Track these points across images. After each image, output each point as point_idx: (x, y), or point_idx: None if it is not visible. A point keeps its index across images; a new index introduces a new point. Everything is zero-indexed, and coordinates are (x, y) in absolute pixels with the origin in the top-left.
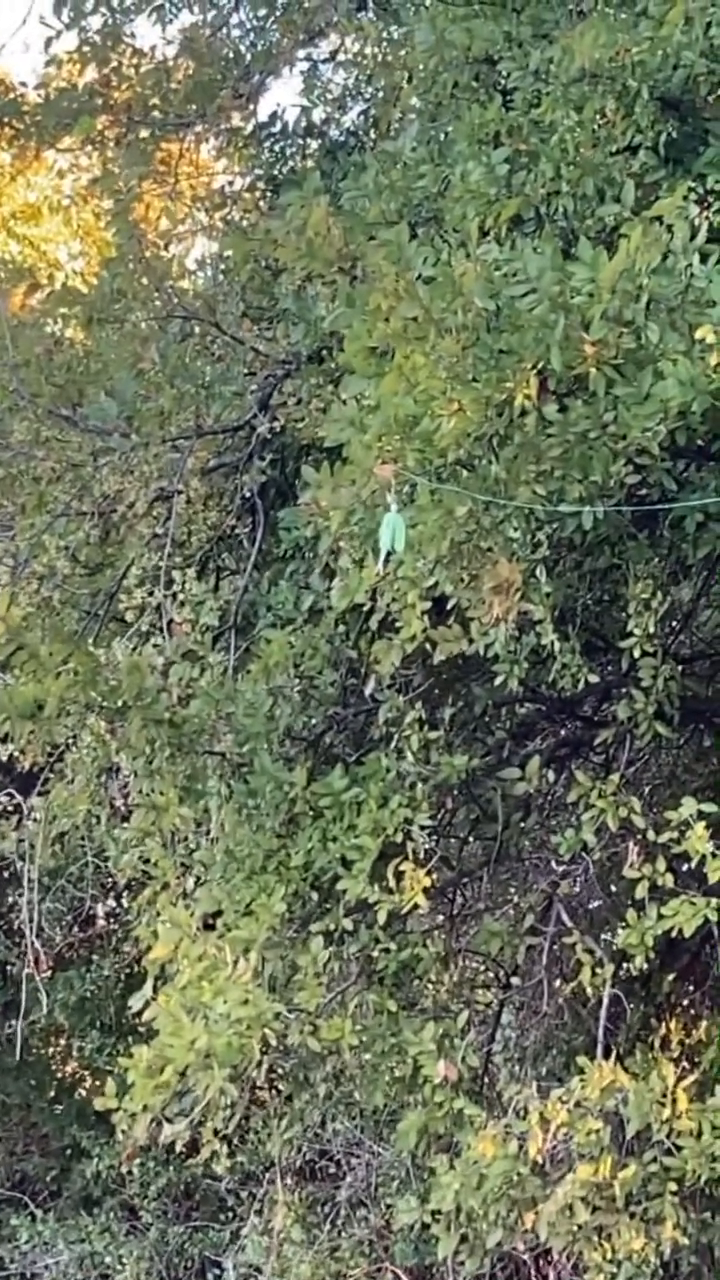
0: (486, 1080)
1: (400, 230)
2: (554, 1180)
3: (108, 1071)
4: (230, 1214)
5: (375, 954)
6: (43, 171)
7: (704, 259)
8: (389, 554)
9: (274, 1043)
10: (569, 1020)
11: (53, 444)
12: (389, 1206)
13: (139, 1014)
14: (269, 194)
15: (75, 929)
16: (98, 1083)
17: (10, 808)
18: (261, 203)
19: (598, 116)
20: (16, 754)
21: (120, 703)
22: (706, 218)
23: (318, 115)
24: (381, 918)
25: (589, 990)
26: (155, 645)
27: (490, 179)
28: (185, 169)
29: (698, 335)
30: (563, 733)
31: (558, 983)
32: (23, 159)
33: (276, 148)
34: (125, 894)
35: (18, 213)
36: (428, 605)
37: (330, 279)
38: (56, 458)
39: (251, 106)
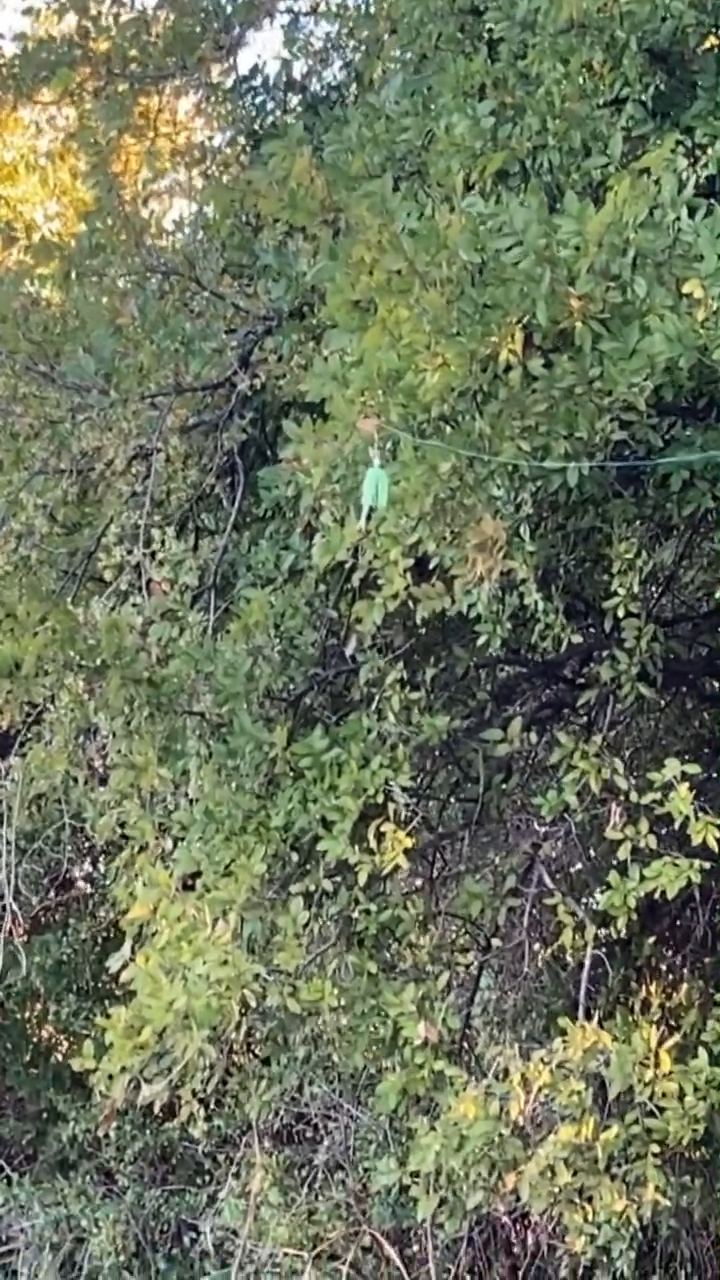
0: (466, 1043)
1: (384, 182)
2: (535, 1142)
3: (85, 1035)
4: (207, 1177)
5: (355, 915)
6: (19, 130)
7: (692, 213)
8: (371, 510)
9: (253, 1004)
10: (549, 983)
11: (30, 400)
12: (367, 1170)
13: (116, 977)
14: (249, 149)
15: (52, 892)
16: (74, 1046)
17: None
18: (242, 157)
19: (585, 69)
20: None
21: (99, 662)
22: (695, 171)
23: (299, 69)
24: (362, 879)
25: (569, 953)
26: (134, 605)
27: (475, 132)
28: (164, 124)
29: (685, 290)
30: (545, 694)
31: (537, 945)
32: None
33: (257, 102)
34: (103, 857)
35: None
36: (410, 563)
37: (313, 232)
38: (34, 414)
39: (232, 60)
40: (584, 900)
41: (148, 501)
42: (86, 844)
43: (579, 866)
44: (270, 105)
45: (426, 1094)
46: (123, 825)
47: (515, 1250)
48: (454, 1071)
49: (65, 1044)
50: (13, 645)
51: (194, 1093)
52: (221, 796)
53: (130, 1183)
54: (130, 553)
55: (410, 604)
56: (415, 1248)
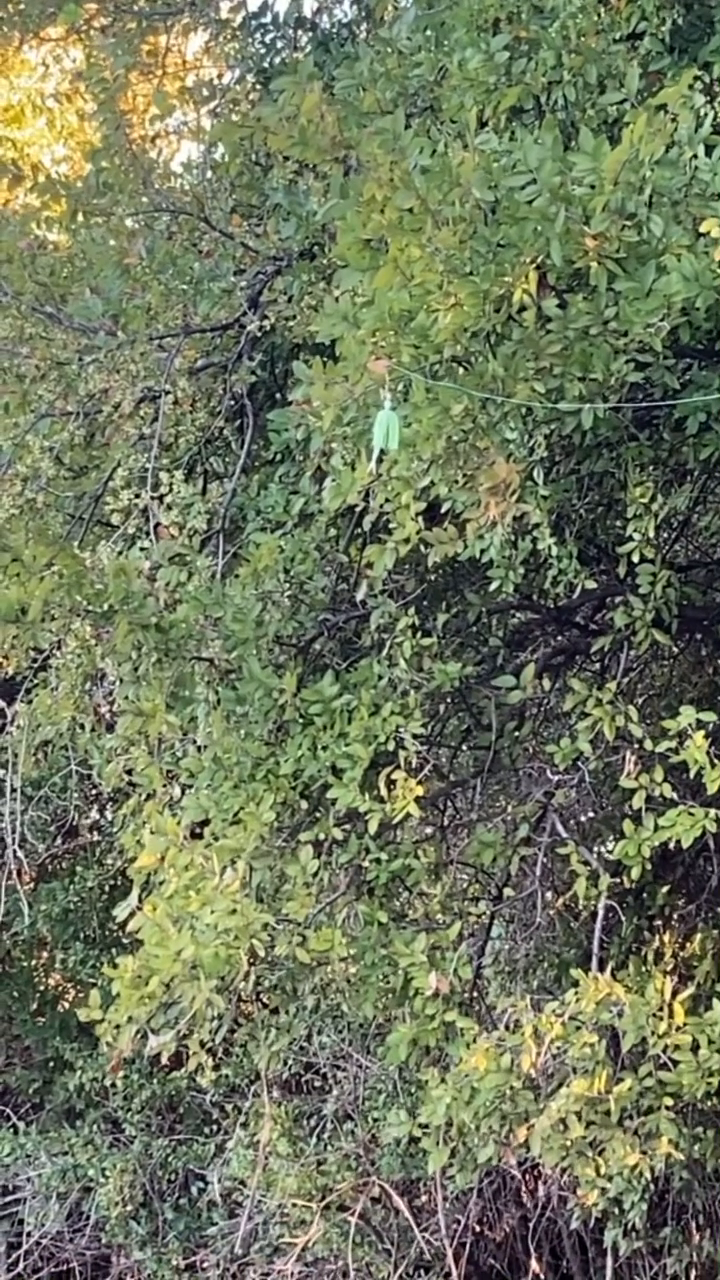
0: (476, 993)
1: (396, 118)
2: (547, 1095)
3: (91, 984)
4: (215, 1127)
5: (366, 864)
6: (25, 72)
7: (710, 150)
8: (382, 453)
9: (262, 954)
10: (560, 933)
11: (37, 341)
12: (375, 1120)
13: (123, 926)
14: (258, 87)
15: (59, 840)
16: (81, 995)
17: None
18: (251, 95)
19: (601, 2)
20: (0, 659)
21: (106, 607)
22: (713, 108)
23: (309, 5)
24: (372, 827)
25: (582, 902)
26: (141, 549)
27: (489, 67)
28: (172, 63)
29: (702, 229)
30: (557, 641)
31: (549, 895)
32: (6, 52)
33: (266, 40)
34: (109, 805)
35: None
36: (422, 507)
37: (323, 170)
38: (41, 355)
39: None
40: (596, 849)
41: (155, 444)
42: (93, 791)
43: (590, 815)
44: (280, 43)
45: (437, 1045)
46: (130, 773)
47: (525, 1202)
48: (465, 1023)
49: (72, 993)
50: (19, 590)
51: (202, 1043)
52: (230, 743)
53: (137, 1132)
54: (138, 496)
55: (422, 549)
56: (424, 1198)
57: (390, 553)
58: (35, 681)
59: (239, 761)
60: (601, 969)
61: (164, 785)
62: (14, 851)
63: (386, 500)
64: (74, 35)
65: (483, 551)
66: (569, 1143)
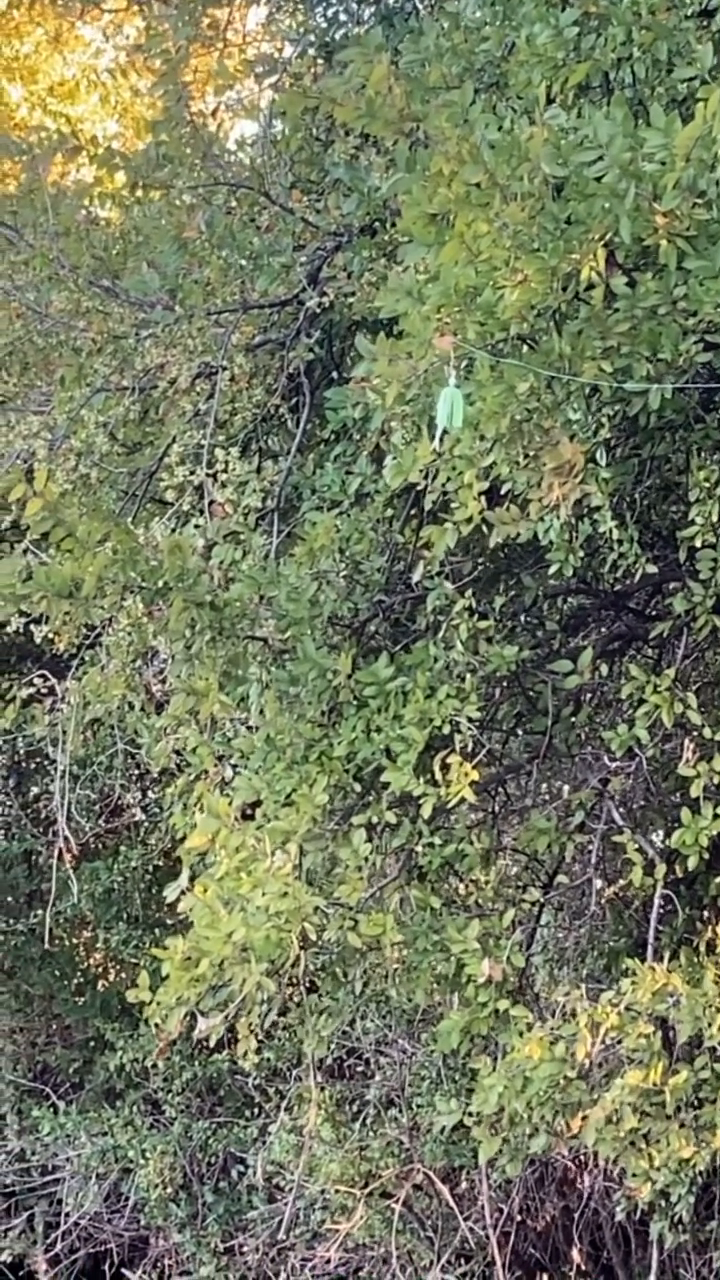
0: (525, 981)
1: (464, 92)
2: (600, 1085)
3: (134, 964)
4: (255, 1110)
5: (418, 849)
6: (79, 48)
7: None
8: (445, 431)
9: (313, 938)
10: (610, 921)
11: (94, 315)
12: (419, 1106)
13: (167, 906)
14: (319, 61)
15: (103, 819)
16: (123, 975)
17: (44, 690)
18: (313, 69)
19: None
20: (52, 635)
21: (161, 584)
22: None
23: None
24: (426, 812)
25: (634, 891)
26: (196, 526)
27: (558, 42)
28: (233, 36)
29: None
30: (613, 626)
31: (599, 883)
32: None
33: (329, 13)
34: (155, 784)
35: (54, 88)
36: (484, 486)
37: (389, 144)
38: (98, 329)
39: None
40: (650, 837)
41: (211, 421)
42: (139, 770)
43: (642, 803)
44: (343, 17)
45: (489, 1034)
46: (179, 752)
47: (566, 1192)
48: (519, 1011)
49: (114, 972)
50: (73, 565)
51: (250, 1027)
52: (283, 724)
53: (177, 1114)
54: (193, 473)
55: (484, 529)
56: (464, 1186)
57: (452, 532)
58: (85, 659)
59: (292, 743)
60: (656, 959)
61: (215, 765)
62: (63, 830)
63: (448, 479)
64: (133, 7)
65: (541, 534)
66: (622, 1134)
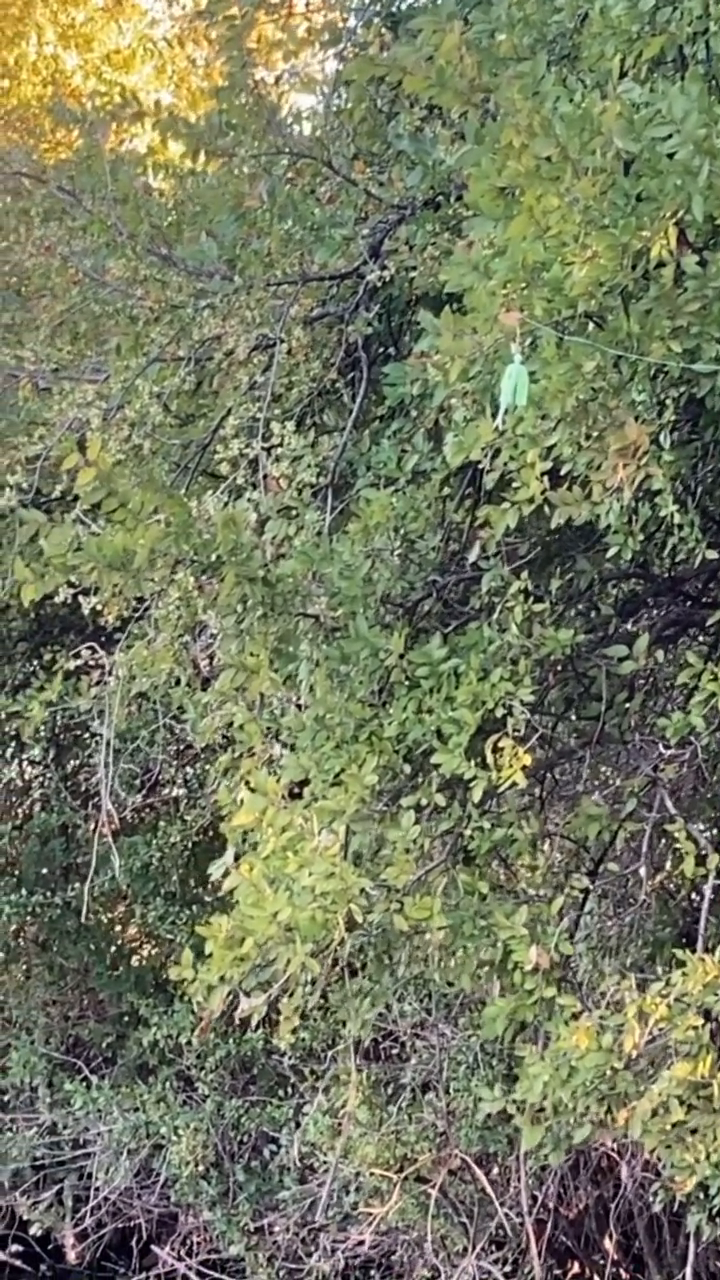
0: (569, 969)
1: (537, 63)
2: (645, 1076)
3: (170, 940)
4: (290, 1090)
5: (468, 832)
6: (136, 16)
7: None
8: (509, 409)
9: (359, 920)
10: (655, 910)
11: (151, 283)
12: (456, 1091)
13: (204, 882)
14: (386, 30)
15: (143, 794)
16: (158, 950)
17: (92, 663)
18: (378, 39)
19: None
20: (100, 607)
21: (214, 558)
22: None
23: None
24: (476, 795)
25: (684, 881)
26: (250, 500)
27: (633, 15)
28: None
29: None
30: (670, 611)
31: (643, 870)
32: None
33: None
34: (197, 760)
35: (110, 56)
36: (547, 466)
37: (458, 115)
38: (155, 298)
39: None
40: (702, 828)
41: (267, 394)
42: (177, 746)
43: (693, 792)
44: None
45: (534, 1021)
46: (228, 727)
47: (600, 1181)
48: (567, 1000)
49: (149, 948)
50: (125, 536)
51: (296, 1008)
52: (333, 703)
53: (210, 1091)
54: (248, 446)
55: (546, 510)
56: (495, 1171)
57: (513, 513)
58: (133, 633)
59: (341, 722)
60: (709, 950)
61: (263, 743)
62: (106, 805)
63: (511, 459)
64: None
65: (599, 516)
66: (669, 1126)
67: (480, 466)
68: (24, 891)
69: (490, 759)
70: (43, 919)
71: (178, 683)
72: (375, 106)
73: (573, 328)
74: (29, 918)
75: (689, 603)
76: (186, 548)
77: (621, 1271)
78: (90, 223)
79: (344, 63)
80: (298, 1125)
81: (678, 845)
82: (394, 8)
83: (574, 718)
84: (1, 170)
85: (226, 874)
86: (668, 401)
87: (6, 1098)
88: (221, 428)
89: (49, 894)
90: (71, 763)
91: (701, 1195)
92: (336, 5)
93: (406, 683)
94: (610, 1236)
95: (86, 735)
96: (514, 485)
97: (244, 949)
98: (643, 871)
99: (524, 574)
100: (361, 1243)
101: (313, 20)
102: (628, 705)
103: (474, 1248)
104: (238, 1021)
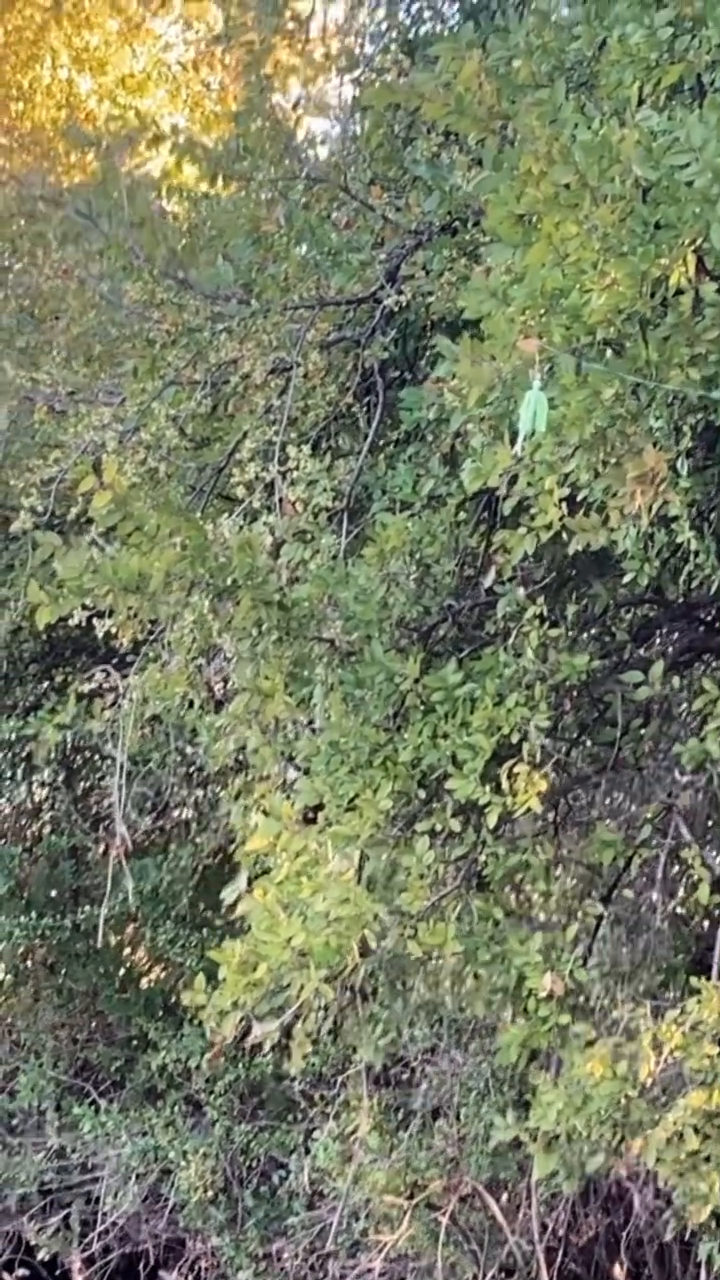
0: (583, 996)
1: (555, 90)
2: (659, 1105)
3: (179, 963)
4: (298, 1115)
5: (482, 858)
6: (149, 40)
7: None
8: (527, 435)
9: (373, 945)
10: (669, 937)
11: (168, 306)
12: (466, 1117)
13: (215, 906)
14: (403, 56)
15: (154, 817)
16: (167, 974)
17: (106, 687)
18: (397, 65)
19: None
20: (114, 630)
21: (229, 581)
22: None
23: None
24: (491, 821)
25: (702, 907)
26: (265, 524)
27: (651, 43)
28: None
29: None
30: (684, 637)
31: (657, 897)
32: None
33: (413, 9)
34: (208, 784)
35: (124, 80)
36: (565, 493)
37: (469, 144)
38: (172, 321)
39: None
40: (716, 854)
41: (283, 417)
42: (188, 769)
43: (708, 818)
44: (428, 14)
45: (548, 1049)
46: (240, 750)
47: (612, 1208)
48: (581, 1027)
49: (158, 971)
50: (140, 559)
51: (308, 1033)
52: (348, 727)
53: (219, 1115)
54: (264, 470)
55: (564, 536)
56: (505, 1198)
57: (530, 539)
58: (146, 655)
59: (356, 747)
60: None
61: (277, 767)
62: (120, 828)
63: (529, 485)
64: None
65: (614, 543)
66: (684, 1155)
67: (496, 492)
68: (33, 914)
69: (505, 784)
70: (51, 941)
71: (191, 705)
72: (392, 132)
73: (591, 354)
74: (38, 940)
75: (704, 628)
76: (202, 571)
77: None
78: (107, 246)
79: (361, 88)
80: (307, 1151)
81: (692, 871)
82: (411, 34)
83: (589, 743)
84: (18, 194)
85: (239, 898)
86: (685, 428)
87: (15, 1121)
88: (237, 451)
89: (58, 916)
90: (82, 785)
91: (714, 1224)
92: (353, 31)
93: (421, 708)
94: (620, 1264)
95: (97, 758)
96: (530, 511)
97: (258, 974)
98: (656, 898)
99: (539, 599)
100: (371, 1270)
101: (330, 46)
102: (643, 731)
103: (484, 1275)
104: (247, 1046)
